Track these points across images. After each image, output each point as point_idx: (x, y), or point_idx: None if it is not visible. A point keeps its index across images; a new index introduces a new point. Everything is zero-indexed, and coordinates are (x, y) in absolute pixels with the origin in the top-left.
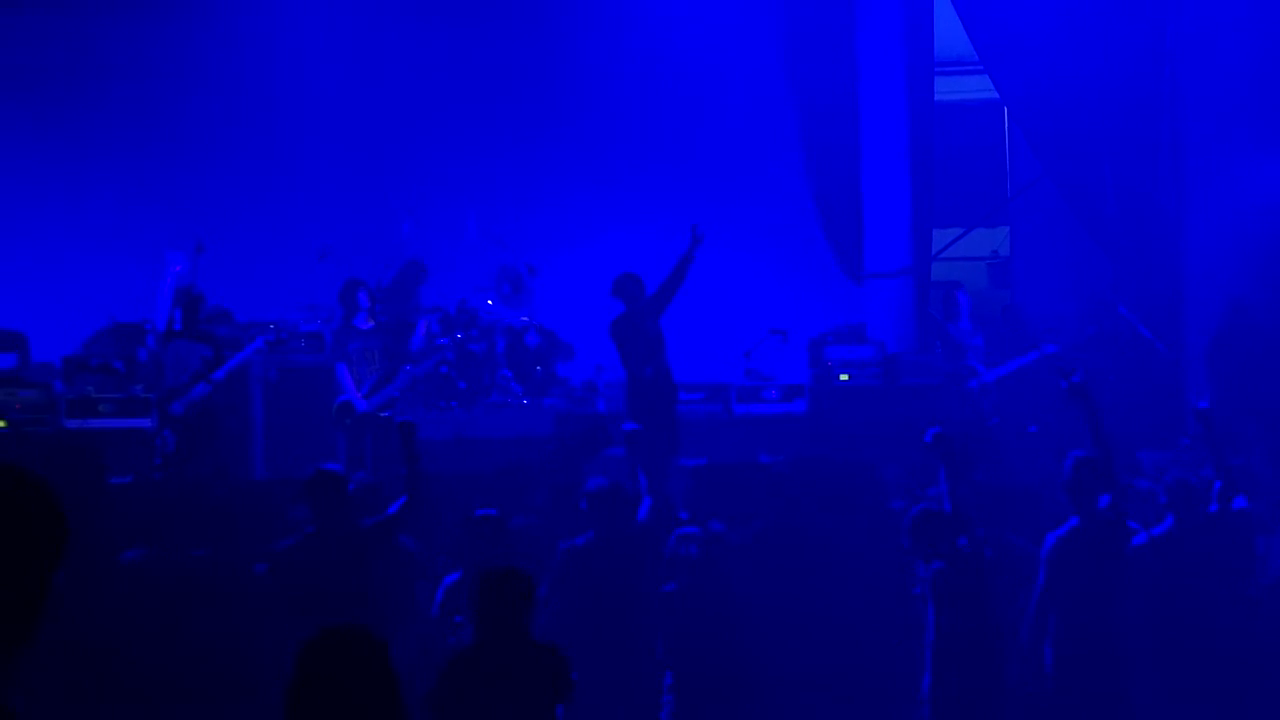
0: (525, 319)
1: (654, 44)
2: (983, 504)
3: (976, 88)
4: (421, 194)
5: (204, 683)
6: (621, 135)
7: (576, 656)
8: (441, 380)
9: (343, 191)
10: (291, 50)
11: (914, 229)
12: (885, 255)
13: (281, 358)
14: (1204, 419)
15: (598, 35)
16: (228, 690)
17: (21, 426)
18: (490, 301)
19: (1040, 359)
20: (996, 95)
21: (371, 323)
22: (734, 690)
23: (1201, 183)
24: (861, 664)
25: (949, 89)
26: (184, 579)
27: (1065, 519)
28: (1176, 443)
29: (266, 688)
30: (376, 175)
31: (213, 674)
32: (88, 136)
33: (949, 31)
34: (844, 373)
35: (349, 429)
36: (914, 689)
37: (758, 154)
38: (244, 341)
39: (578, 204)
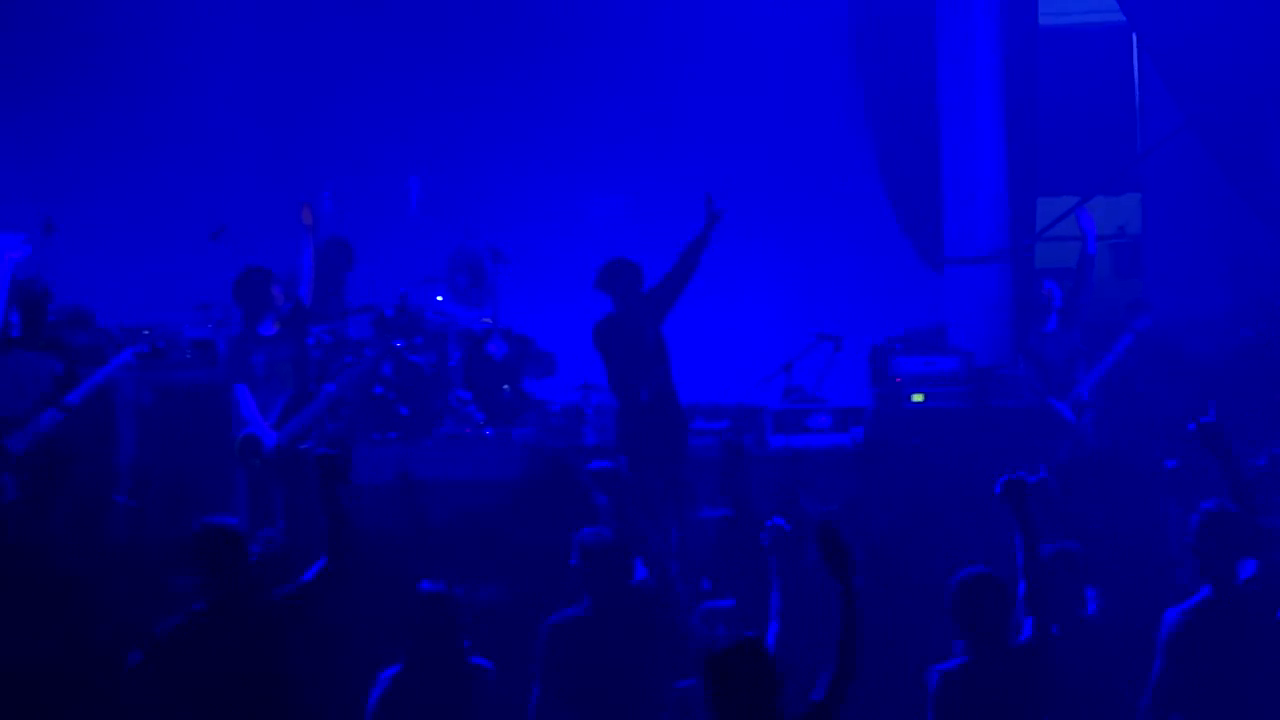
0: (488, 321)
1: None
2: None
3: (1096, 6)
4: (347, 156)
5: None
6: (614, 75)
7: None
8: (377, 404)
9: (243, 154)
10: None
11: (1012, 199)
12: (973, 234)
13: (160, 374)
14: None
15: None
16: None
17: None
18: (440, 298)
19: (1136, 341)
20: (1121, 16)
21: (278, 327)
22: None
23: None
24: None
25: (1058, 9)
26: (32, 674)
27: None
28: None
29: None
30: (288, 132)
31: None
32: None
33: None
34: (917, 392)
35: (255, 471)
36: None
37: (798, 97)
38: (108, 352)
39: (556, 168)
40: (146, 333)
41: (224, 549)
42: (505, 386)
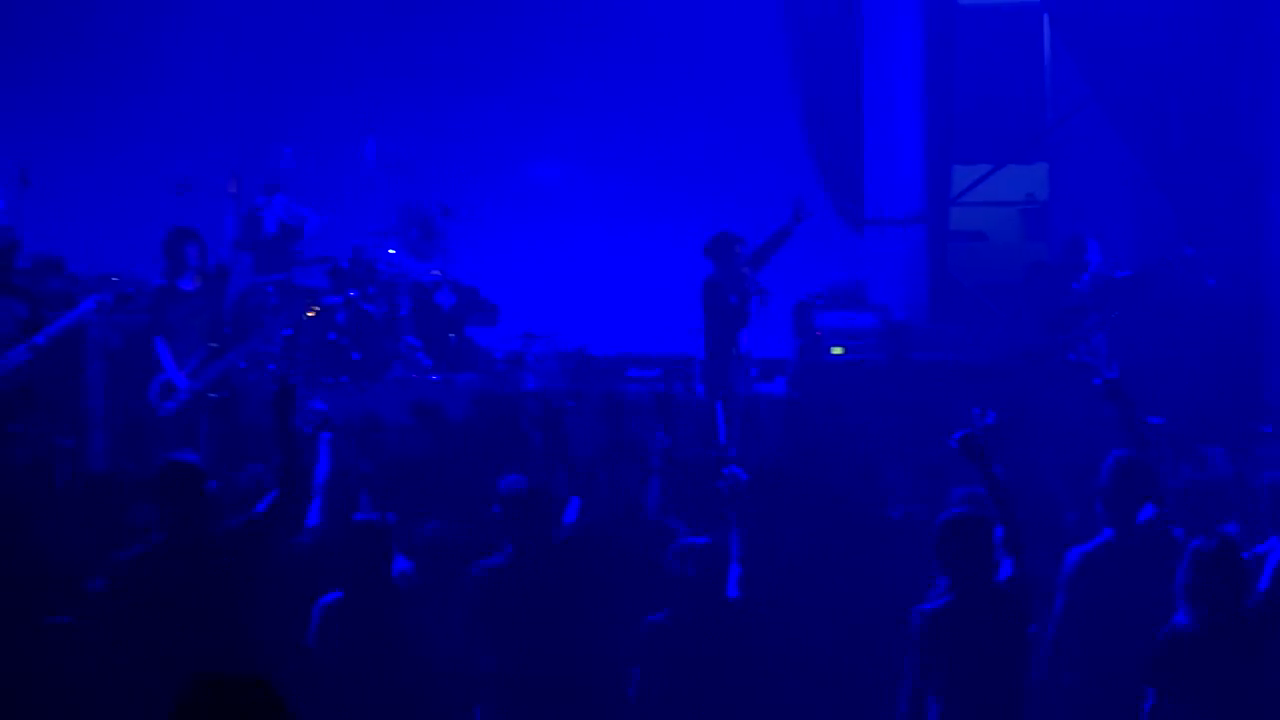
0: (436, 273)
1: None
2: None
3: None
4: (308, 117)
5: None
6: (555, 42)
7: (508, 704)
8: (331, 349)
9: (212, 112)
10: None
11: (928, 165)
12: (892, 197)
13: (129, 319)
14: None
15: None
16: None
17: None
18: (392, 250)
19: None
20: None
21: (199, 283)
22: None
23: None
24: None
25: None
26: None
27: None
28: (1253, 433)
29: None
30: (254, 94)
31: (36, 716)
32: None
33: None
34: (837, 344)
35: (174, 416)
36: None
37: (729, 64)
38: (78, 298)
39: (500, 128)
40: (115, 280)
41: (184, 483)
42: (452, 335)
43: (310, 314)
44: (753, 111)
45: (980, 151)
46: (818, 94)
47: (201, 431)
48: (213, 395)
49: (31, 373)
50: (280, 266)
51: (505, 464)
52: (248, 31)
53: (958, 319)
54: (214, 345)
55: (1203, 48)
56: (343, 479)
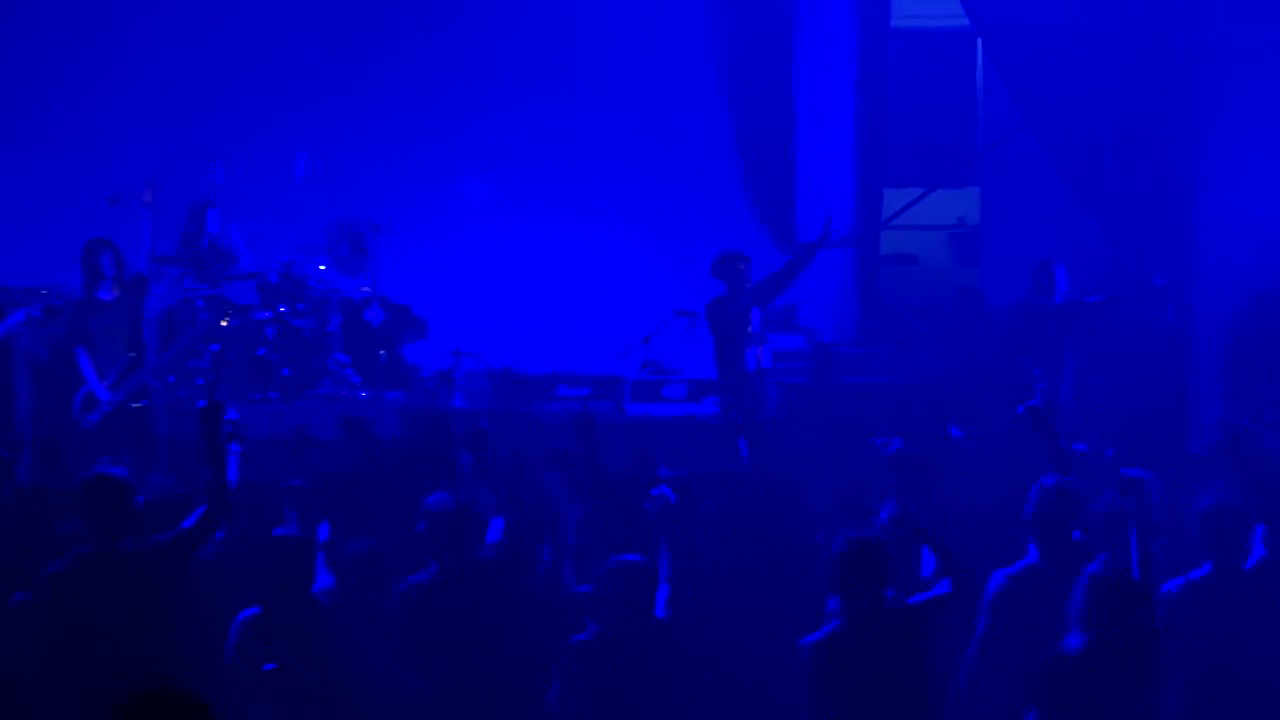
0: (366, 289)
1: None
2: None
3: (942, 12)
4: (237, 128)
5: None
6: (485, 58)
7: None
8: (260, 365)
9: (143, 125)
10: None
11: (859, 188)
12: (822, 221)
13: (56, 333)
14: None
15: None
16: None
17: None
18: (323, 266)
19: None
20: (966, 21)
21: (117, 292)
22: None
23: (1221, 139)
24: None
25: (908, 12)
26: None
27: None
28: (1182, 458)
29: None
30: (182, 102)
31: None
32: None
33: None
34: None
35: (97, 428)
36: None
37: (662, 86)
38: (5, 311)
39: (429, 144)
40: (44, 293)
41: (111, 496)
42: (381, 352)
43: (223, 322)
44: (685, 130)
45: (912, 175)
46: (751, 115)
47: (124, 443)
48: (134, 405)
49: None
50: (211, 281)
51: (432, 482)
52: (178, 44)
53: (887, 341)
54: (133, 355)
55: (1134, 74)
56: (267, 494)
